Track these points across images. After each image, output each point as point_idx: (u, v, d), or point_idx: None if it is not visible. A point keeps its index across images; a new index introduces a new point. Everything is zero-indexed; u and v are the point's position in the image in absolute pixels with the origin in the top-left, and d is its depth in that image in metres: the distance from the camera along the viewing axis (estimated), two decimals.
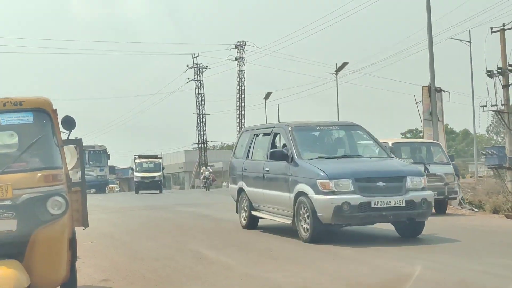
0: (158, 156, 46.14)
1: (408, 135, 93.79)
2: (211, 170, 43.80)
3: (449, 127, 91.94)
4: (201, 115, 62.74)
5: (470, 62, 49.46)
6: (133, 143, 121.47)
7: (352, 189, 10.67)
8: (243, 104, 61.42)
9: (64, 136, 6.91)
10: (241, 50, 61.16)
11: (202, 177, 42.98)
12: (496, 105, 32.21)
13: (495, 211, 19.78)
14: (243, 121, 61.21)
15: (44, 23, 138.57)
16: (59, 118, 6.77)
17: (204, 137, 62.94)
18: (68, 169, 7.02)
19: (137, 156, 44.89)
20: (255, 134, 13.92)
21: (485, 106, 33.36)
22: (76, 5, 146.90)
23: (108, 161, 48.30)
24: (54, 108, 6.69)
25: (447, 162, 17.98)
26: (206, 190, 41.12)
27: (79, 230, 7.37)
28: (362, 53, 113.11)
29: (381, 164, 11.82)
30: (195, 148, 69.37)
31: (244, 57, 61.29)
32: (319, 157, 11.70)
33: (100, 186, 46.24)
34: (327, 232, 11.24)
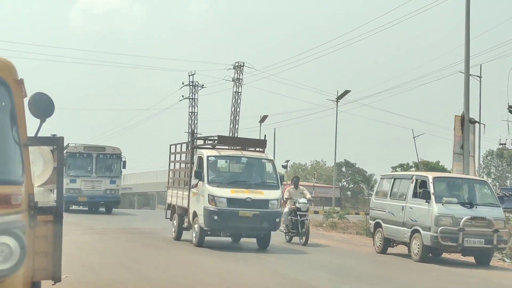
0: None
1: (398, 169, 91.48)
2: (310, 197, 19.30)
3: (440, 164, 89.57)
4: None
5: (479, 98, 47.07)
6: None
7: None
8: (236, 126, 58.83)
9: (32, 129, 3.99)
10: (238, 71, 58.99)
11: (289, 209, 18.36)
12: None
13: None
14: None
15: (40, 29, 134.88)
16: (27, 96, 3.89)
17: None
18: (37, 184, 4.13)
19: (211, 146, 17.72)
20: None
21: (505, 144, 31.20)
22: (75, 16, 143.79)
23: (123, 170, 32.66)
24: (18, 78, 3.84)
25: (497, 204, 15.26)
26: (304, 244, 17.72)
27: None
28: (362, 83, 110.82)
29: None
30: None
31: (242, 79, 58.96)
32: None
33: (109, 205, 32.06)
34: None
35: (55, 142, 4.63)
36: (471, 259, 15.74)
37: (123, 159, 31.60)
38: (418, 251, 15.01)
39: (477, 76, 49.32)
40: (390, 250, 16.91)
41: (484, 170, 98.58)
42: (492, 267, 15.10)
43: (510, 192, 28.83)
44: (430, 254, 15.45)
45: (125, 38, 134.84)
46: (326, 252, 16.92)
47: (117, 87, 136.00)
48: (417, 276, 12.58)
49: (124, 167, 31.85)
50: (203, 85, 60.77)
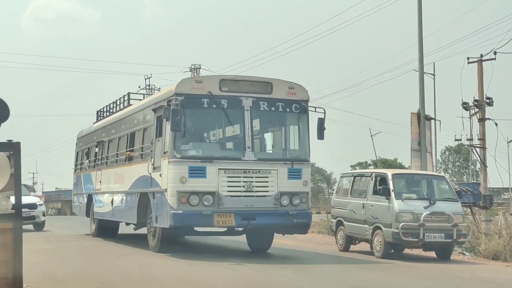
0: None
1: (357, 167, 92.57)
2: None
3: (398, 161, 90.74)
4: None
5: (434, 96, 47.81)
6: None
7: None
8: None
9: None
10: (195, 74, 58.69)
11: None
12: (472, 139, 30.44)
13: (495, 257, 17.55)
14: None
15: None
16: None
17: None
18: None
19: None
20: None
21: (460, 140, 31.64)
22: (28, 21, 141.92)
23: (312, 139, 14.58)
24: None
25: (455, 199, 15.48)
26: None
27: None
28: (318, 83, 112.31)
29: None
30: None
31: None
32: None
33: (271, 232, 15.33)
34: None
35: (11, 148, 4.51)
36: (432, 254, 15.96)
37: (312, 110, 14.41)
38: (380, 247, 15.15)
39: (431, 74, 50.11)
40: (352, 247, 17.04)
41: (442, 166, 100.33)
42: (453, 261, 15.33)
43: (467, 187, 29.24)
44: (392, 250, 15.62)
45: (79, 42, 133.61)
46: (289, 252, 16.94)
47: (72, 92, 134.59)
48: (380, 272, 12.67)
49: (320, 136, 14.44)
50: (159, 88, 60.53)
